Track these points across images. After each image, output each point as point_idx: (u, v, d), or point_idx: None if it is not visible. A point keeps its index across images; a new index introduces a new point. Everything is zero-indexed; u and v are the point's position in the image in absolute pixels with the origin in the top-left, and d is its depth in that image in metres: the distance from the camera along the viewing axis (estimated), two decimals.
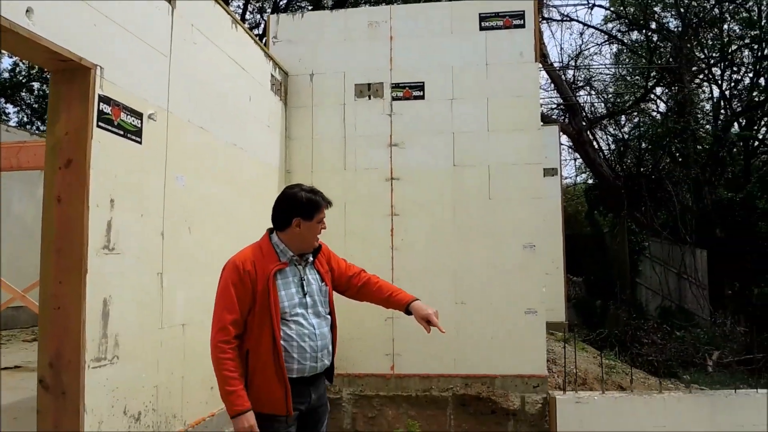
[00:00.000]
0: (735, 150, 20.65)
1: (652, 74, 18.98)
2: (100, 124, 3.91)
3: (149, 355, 4.45)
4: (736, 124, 19.57)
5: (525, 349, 6.86)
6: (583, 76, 20.02)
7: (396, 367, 7.11)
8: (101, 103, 3.93)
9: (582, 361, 9.55)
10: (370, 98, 7.31)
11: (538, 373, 6.85)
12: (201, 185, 5.25)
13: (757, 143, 20.44)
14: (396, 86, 7.28)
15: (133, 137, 4.27)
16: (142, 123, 4.36)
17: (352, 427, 7.07)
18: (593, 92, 20.24)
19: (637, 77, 19.45)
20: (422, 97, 7.22)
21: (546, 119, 15.28)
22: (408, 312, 3.34)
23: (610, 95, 20.17)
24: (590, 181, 22.28)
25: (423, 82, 7.23)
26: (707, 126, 19.58)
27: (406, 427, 4.93)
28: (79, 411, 3.74)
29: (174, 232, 4.79)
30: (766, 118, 20.04)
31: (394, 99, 7.27)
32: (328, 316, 3.13)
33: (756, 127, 19.99)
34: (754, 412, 6.52)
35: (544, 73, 18.05)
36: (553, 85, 18.38)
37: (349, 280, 3.37)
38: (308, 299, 3.03)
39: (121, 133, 4.13)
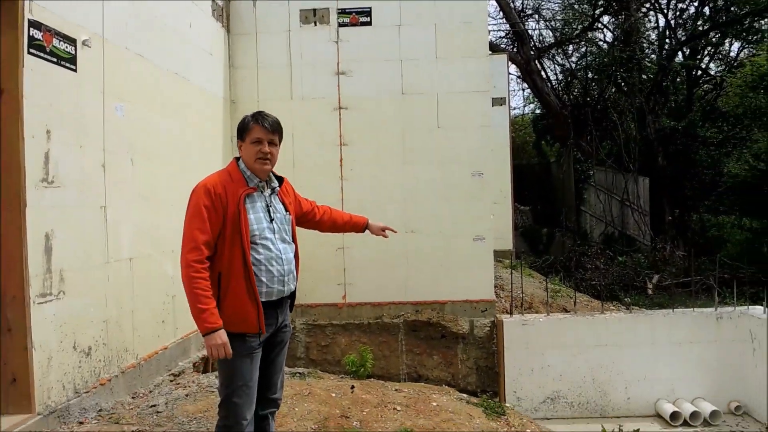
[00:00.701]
0: (678, 79, 21.03)
1: (599, 2, 18.97)
2: (31, 51, 3.73)
3: (96, 289, 4.40)
4: (680, 53, 19.85)
5: (473, 275, 7.02)
6: (531, 4, 19.88)
7: (348, 296, 7.20)
8: (31, 29, 3.73)
9: (528, 286, 9.84)
10: (315, 24, 7.13)
11: (486, 298, 7.05)
12: (142, 115, 5.09)
13: (700, 72, 20.83)
14: (342, 12, 7.10)
15: (68, 65, 4.08)
16: (76, 50, 4.16)
17: (306, 356, 7.20)
18: (542, 21, 20.17)
19: (585, 5, 19.42)
20: (369, 23, 7.07)
21: (494, 48, 15.21)
22: (365, 230, 3.73)
23: (558, 23, 20.13)
24: (538, 111, 22.47)
25: (370, 8, 7.07)
26: (652, 55, 19.82)
27: (359, 353, 5.05)
28: (27, 347, 3.70)
29: (116, 164, 4.66)
30: (709, 48, 20.37)
31: (340, 25, 7.10)
32: (293, 243, 3.19)
33: (699, 57, 20.33)
34: (690, 329, 6.87)
35: (493, 1, 17.88)
36: (501, 14, 18.23)
37: (307, 214, 3.49)
38: (275, 225, 3.09)
39: (55, 60, 3.94)
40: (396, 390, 4.53)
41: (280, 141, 3.14)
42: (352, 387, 4.27)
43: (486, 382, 7.08)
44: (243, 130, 3.08)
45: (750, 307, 6.99)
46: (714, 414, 6.55)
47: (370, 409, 4.06)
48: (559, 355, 6.84)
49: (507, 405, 4.60)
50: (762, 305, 6.92)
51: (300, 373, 5.10)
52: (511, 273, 7.49)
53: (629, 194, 18.18)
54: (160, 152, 5.38)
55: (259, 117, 3.08)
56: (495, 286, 9.23)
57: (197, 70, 6.23)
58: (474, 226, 7.01)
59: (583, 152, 17.98)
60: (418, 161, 7.06)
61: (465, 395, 4.61)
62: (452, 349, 7.07)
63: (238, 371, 2.94)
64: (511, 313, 7.10)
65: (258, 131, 3.05)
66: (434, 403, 4.25)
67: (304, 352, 7.21)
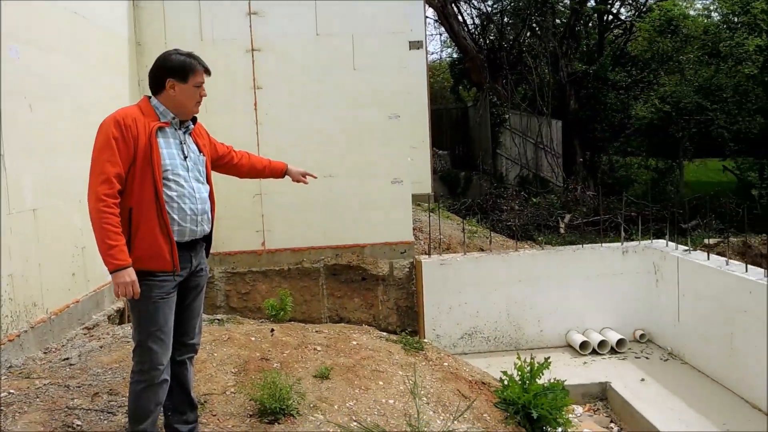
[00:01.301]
0: (590, 24, 21.48)
1: None
2: None
3: None
4: None
5: (392, 218, 7.09)
6: None
7: (267, 242, 7.15)
8: None
9: (447, 228, 10.05)
10: None
11: (405, 240, 7.15)
12: (40, 58, 4.78)
13: (611, 17, 21.32)
14: None
15: None
16: None
17: (226, 305, 7.14)
18: None
19: None
20: None
21: None
22: (284, 175, 3.70)
23: None
24: (455, 56, 22.54)
25: None
26: (566, 0, 20.12)
27: (278, 296, 5.05)
28: None
29: (13, 110, 4.38)
30: None
31: None
32: (207, 184, 3.11)
33: (610, 1, 20.77)
34: (598, 264, 7.21)
35: None
36: None
37: (223, 158, 3.42)
38: (188, 163, 3.00)
39: None
40: (316, 331, 4.57)
41: None
42: (272, 330, 4.28)
43: (406, 322, 7.25)
44: (186, 71, 2.95)
45: (653, 240, 7.38)
46: (620, 342, 6.96)
47: (291, 351, 4.09)
48: (476, 293, 7.07)
49: (425, 341, 4.74)
50: (664, 239, 7.32)
51: (219, 320, 5.06)
52: (429, 215, 7.61)
53: (543, 137, 18.67)
54: (61, 97, 5.10)
55: (200, 60, 3.00)
56: (414, 229, 9.37)
57: (99, 9, 5.88)
58: (392, 169, 7.04)
59: (499, 96, 18.25)
60: (335, 104, 6.98)
61: (385, 333, 4.72)
62: (373, 291, 7.18)
63: (153, 316, 2.88)
64: (429, 254, 7.24)
65: (201, 75, 2.98)
66: (354, 342, 4.33)
67: (224, 301, 7.15)
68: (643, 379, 6.23)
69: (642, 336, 7.25)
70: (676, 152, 18.29)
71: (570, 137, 19.61)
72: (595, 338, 7.00)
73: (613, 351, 6.96)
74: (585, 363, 6.78)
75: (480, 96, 18.47)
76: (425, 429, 3.31)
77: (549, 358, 4.21)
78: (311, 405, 3.51)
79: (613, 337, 7.02)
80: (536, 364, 4.15)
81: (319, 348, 4.19)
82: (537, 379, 4.14)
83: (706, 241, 11.19)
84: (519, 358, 4.23)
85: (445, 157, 17.70)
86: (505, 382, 4.16)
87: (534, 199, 16.26)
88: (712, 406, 5.58)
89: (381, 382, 3.81)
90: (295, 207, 7.03)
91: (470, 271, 7.06)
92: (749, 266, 5.78)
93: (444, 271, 7.01)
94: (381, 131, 7.00)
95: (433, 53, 25.43)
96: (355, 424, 3.34)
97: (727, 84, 16.65)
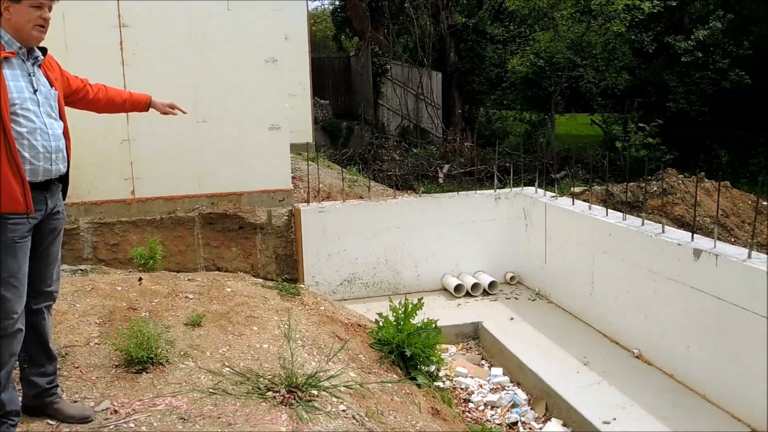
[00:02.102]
0: None
1: None
2: None
3: None
4: None
5: (270, 165, 6.94)
6: None
7: (137, 191, 6.81)
8: None
9: (327, 177, 10.01)
10: None
11: (284, 188, 7.04)
12: None
13: None
14: None
15: None
16: None
17: (93, 257, 6.78)
18: None
19: None
20: None
21: None
22: (148, 108, 3.52)
23: None
24: (337, 3, 22.20)
25: None
26: None
27: (147, 244, 4.83)
28: None
29: None
30: None
31: None
32: (60, 120, 2.87)
33: None
34: (472, 210, 7.44)
35: None
36: None
37: (78, 92, 3.20)
38: (39, 97, 2.75)
39: None
40: (189, 280, 4.43)
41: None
42: (141, 279, 4.10)
43: (286, 270, 7.20)
44: None
45: (524, 188, 7.69)
46: (492, 284, 7.27)
47: (161, 300, 3.95)
48: (355, 240, 7.11)
49: (302, 286, 4.72)
50: (534, 187, 7.65)
51: (82, 270, 4.80)
52: (308, 164, 7.54)
53: (423, 88, 18.88)
54: None
55: None
56: (294, 178, 9.27)
57: None
58: (269, 114, 6.86)
59: (381, 46, 18.21)
60: (208, 46, 6.65)
61: (260, 280, 4.65)
62: (251, 239, 7.05)
63: (5, 262, 2.66)
64: (308, 202, 7.18)
65: None
66: (228, 289, 4.24)
67: (91, 253, 6.78)
68: (512, 318, 6.56)
69: (512, 278, 7.60)
70: (548, 106, 19.12)
71: (449, 89, 19.97)
72: (469, 281, 7.27)
73: (485, 293, 7.26)
74: (459, 305, 7.04)
75: (362, 45, 18.34)
76: (299, 371, 3.31)
77: (422, 298, 4.32)
78: (182, 353, 3.41)
79: (485, 279, 7.31)
80: (410, 305, 4.24)
81: (191, 296, 4.07)
82: (411, 320, 4.24)
83: (572, 189, 11.84)
84: (391, 300, 4.31)
85: (327, 107, 17.55)
86: (380, 323, 4.23)
87: (414, 150, 16.54)
88: (574, 341, 5.96)
89: (256, 328, 3.76)
90: (167, 153, 6.72)
91: (349, 218, 7.09)
92: (610, 211, 6.16)
93: (323, 219, 6.99)
94: (257, 76, 6.78)
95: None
96: (227, 369, 3.28)
97: (596, 41, 17.48)
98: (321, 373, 3.33)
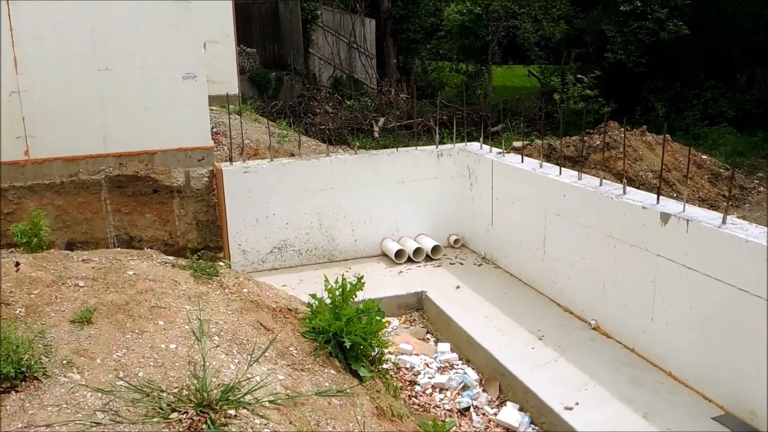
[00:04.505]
0: None
1: None
2: None
3: None
4: None
5: (186, 120, 6.12)
6: None
7: (31, 151, 5.90)
8: None
9: (254, 131, 9.20)
10: None
11: (203, 145, 6.24)
12: None
13: None
14: None
15: None
16: None
17: None
18: None
19: None
20: None
21: None
22: None
23: None
24: None
25: None
26: None
27: (30, 219, 4.00)
28: None
29: None
30: None
31: None
32: None
33: None
34: (413, 168, 6.83)
35: None
36: None
37: None
38: None
39: None
40: (83, 260, 3.67)
41: None
42: (17, 264, 3.33)
43: (208, 238, 6.46)
44: None
45: (467, 143, 7.12)
46: (435, 249, 6.74)
47: (42, 290, 3.19)
48: (285, 203, 6.42)
49: (221, 264, 4.03)
50: (479, 142, 7.09)
51: None
52: (229, 118, 6.71)
53: (356, 37, 17.98)
54: None
55: None
56: (217, 134, 8.44)
57: None
58: (182, 61, 6.00)
59: None
60: None
61: (171, 258, 3.92)
62: (167, 204, 6.26)
63: None
64: (231, 161, 6.40)
65: None
66: (131, 272, 3.50)
67: None
68: (458, 287, 6.05)
69: (456, 241, 7.10)
70: (485, 57, 18.56)
71: (384, 38, 19.13)
72: (411, 246, 6.72)
73: (428, 258, 6.73)
74: (400, 272, 6.49)
75: None
76: (214, 379, 2.66)
77: (362, 278, 3.71)
78: (65, 361, 2.71)
79: (428, 244, 6.77)
80: (348, 285, 3.62)
81: (82, 283, 3.32)
82: (350, 301, 3.63)
83: (514, 143, 11.40)
84: (327, 280, 3.68)
85: (254, 56, 16.45)
86: (314, 307, 3.60)
87: (348, 102, 15.72)
88: (526, 311, 5.51)
89: (162, 322, 3.07)
90: (65, 107, 5.82)
91: (278, 178, 6.37)
92: (564, 169, 5.65)
93: (248, 180, 6.25)
94: (167, 17, 5.89)
95: None
96: (122, 382, 2.60)
97: None
98: (242, 382, 2.69)
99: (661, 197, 4.63)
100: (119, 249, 4.13)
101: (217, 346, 2.98)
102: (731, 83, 17.84)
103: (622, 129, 11.20)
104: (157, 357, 2.80)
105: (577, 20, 18.02)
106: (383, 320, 3.72)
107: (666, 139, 12.31)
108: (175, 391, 2.58)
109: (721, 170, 12.26)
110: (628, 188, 4.95)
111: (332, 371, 3.35)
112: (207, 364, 2.76)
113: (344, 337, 3.44)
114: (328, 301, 3.65)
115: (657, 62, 16.67)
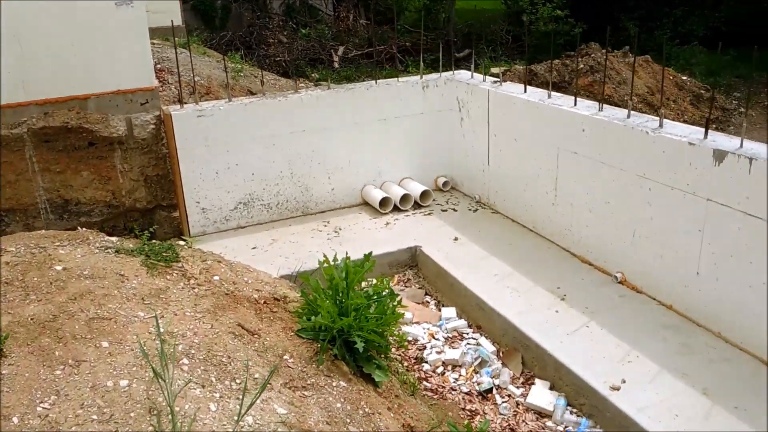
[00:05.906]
0: None
1: None
2: None
3: None
4: None
5: (122, 56, 5.03)
6: None
7: None
8: None
9: (204, 67, 8.08)
10: None
11: (145, 86, 5.17)
12: None
13: None
14: None
15: None
16: None
17: None
18: None
19: None
20: None
21: None
22: None
23: None
24: None
25: None
26: None
27: None
28: None
29: None
30: None
31: None
32: None
33: None
34: (395, 102, 5.91)
35: None
36: None
37: None
38: None
39: None
40: None
41: None
42: None
43: (160, 195, 5.48)
44: None
45: (456, 72, 6.21)
46: (424, 194, 5.91)
47: None
48: (250, 150, 5.47)
49: (181, 242, 3.13)
50: (469, 71, 6.19)
51: None
52: (176, 52, 5.63)
53: None
54: None
55: None
56: (161, 71, 7.33)
57: None
58: None
59: None
60: None
61: (114, 240, 2.99)
62: (107, 159, 5.23)
63: None
64: (181, 104, 5.36)
65: None
66: (59, 267, 2.59)
67: None
68: (456, 239, 5.27)
69: (445, 183, 6.28)
70: None
71: None
72: (397, 192, 5.87)
73: (417, 205, 5.92)
74: (387, 224, 5.66)
75: None
76: None
77: (371, 254, 2.87)
78: None
79: (416, 189, 5.94)
80: (352, 268, 2.78)
81: None
82: (357, 286, 2.81)
83: (493, 69, 10.50)
84: (327, 260, 2.83)
85: None
86: (311, 297, 2.76)
87: (303, 31, 14.45)
88: (539, 264, 4.77)
89: (106, 343, 2.19)
90: None
91: (239, 121, 5.38)
92: (579, 100, 4.82)
93: (204, 125, 5.25)
94: None
95: None
96: None
97: None
98: None
99: (709, 131, 3.86)
100: (42, 232, 3.17)
101: (189, 372, 2.12)
102: (700, 0, 17.09)
103: (604, 51, 10.38)
104: (103, 404, 1.93)
105: None
106: (397, 302, 2.91)
107: (647, 61, 11.56)
108: None
109: (702, 91, 11.64)
110: (666, 121, 4.16)
111: (341, 382, 2.54)
112: (177, 409, 1.91)
113: (354, 335, 2.63)
114: (326, 282, 2.82)
115: None
